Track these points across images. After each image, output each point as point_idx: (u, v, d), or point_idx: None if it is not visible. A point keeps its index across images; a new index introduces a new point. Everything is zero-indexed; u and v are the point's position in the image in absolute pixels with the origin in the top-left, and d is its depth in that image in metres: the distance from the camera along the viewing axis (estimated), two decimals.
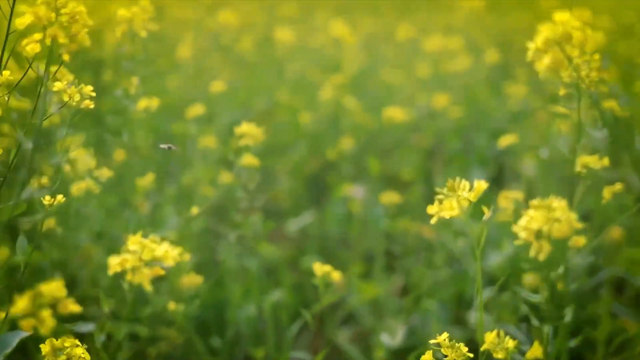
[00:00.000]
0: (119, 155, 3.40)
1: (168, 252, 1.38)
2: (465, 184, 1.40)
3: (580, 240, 1.63)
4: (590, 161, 1.65)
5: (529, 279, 2.25)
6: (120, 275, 2.26)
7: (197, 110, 2.45)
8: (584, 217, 3.32)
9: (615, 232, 2.95)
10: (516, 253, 2.58)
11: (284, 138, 4.04)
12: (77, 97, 1.54)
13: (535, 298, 1.78)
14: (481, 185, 1.29)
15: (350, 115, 3.51)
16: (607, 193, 1.66)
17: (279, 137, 4.12)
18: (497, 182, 3.76)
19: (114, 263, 1.67)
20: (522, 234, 1.45)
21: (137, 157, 3.45)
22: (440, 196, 1.41)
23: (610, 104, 1.67)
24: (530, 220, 1.41)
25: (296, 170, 3.60)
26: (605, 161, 1.65)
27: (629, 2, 6.06)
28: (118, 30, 1.81)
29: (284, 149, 3.98)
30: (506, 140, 2.27)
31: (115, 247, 2.42)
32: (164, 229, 2.43)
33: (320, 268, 1.59)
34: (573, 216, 1.42)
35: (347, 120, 3.58)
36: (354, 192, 3.07)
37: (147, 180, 2.06)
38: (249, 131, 1.74)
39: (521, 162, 3.66)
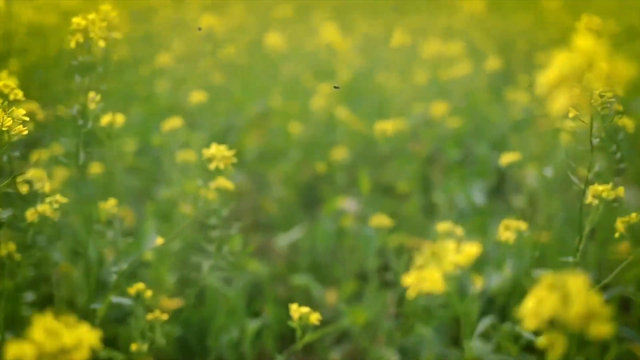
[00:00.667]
0: (96, 168, 3.26)
1: (82, 340, 0.97)
2: (452, 246, 1.08)
3: (604, 329, 0.99)
4: (603, 191, 1.47)
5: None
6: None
7: (174, 122, 2.29)
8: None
9: (622, 247, 2.81)
10: (517, 274, 2.44)
11: (278, 144, 3.90)
12: (8, 122, 1.40)
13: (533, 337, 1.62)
14: (472, 249, 1.04)
15: (343, 125, 3.36)
16: (620, 225, 1.51)
17: (273, 142, 3.97)
18: (498, 192, 3.61)
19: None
20: (531, 321, 1.02)
21: (122, 166, 3.33)
22: (420, 261, 1.07)
23: (624, 122, 1.50)
24: (540, 304, 1.00)
25: (289, 180, 3.45)
26: (620, 191, 1.48)
27: (630, 2, 5.93)
28: (72, 41, 1.63)
29: (278, 155, 3.83)
30: (509, 158, 2.12)
31: (91, 267, 2.28)
32: (142, 247, 2.29)
33: (297, 310, 1.43)
34: (594, 300, 1.01)
35: (341, 128, 3.43)
36: (347, 205, 2.92)
37: (109, 204, 1.90)
38: (218, 153, 1.56)
39: (523, 171, 3.52)
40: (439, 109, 3.27)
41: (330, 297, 2.83)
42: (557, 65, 1.08)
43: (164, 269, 2.25)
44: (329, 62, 4.00)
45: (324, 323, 2.98)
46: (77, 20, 1.57)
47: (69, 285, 2.55)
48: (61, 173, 2.57)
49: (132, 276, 2.44)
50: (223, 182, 1.67)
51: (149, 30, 4.71)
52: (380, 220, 1.99)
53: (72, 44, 1.59)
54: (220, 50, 2.92)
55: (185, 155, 2.30)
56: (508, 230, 1.63)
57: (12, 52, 4.09)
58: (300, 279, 2.62)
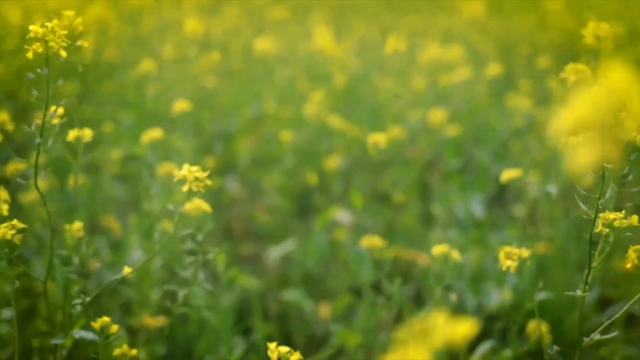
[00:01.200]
0: (76, 179, 3.14)
1: None
2: (442, 320, 0.87)
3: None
4: (615, 219, 1.34)
5: (533, 324, 2.01)
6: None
7: (153, 134, 2.17)
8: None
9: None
10: (518, 290, 2.33)
11: (272, 150, 3.78)
12: None
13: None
14: (466, 327, 0.81)
15: (338, 131, 3.24)
16: (632, 254, 1.39)
17: (267, 148, 3.86)
18: (498, 200, 3.51)
19: None
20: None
21: (108, 174, 3.23)
22: (403, 335, 0.81)
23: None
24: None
25: (282, 187, 3.33)
26: (635, 220, 1.34)
27: (630, 2, 5.82)
28: (29, 51, 1.50)
29: (272, 162, 3.72)
30: (509, 174, 2.01)
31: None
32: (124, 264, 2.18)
33: (274, 350, 1.30)
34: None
35: (336, 134, 3.32)
36: (340, 217, 2.81)
37: (76, 226, 1.78)
38: (190, 175, 1.42)
39: (524, 179, 3.42)
40: (437, 115, 3.16)
41: (324, 310, 2.72)
42: (581, 105, 0.80)
43: (147, 285, 2.14)
44: (324, 66, 3.89)
45: (316, 339, 2.89)
46: (34, 28, 1.44)
47: (49, 301, 2.44)
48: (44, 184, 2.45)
49: (113, 293, 2.34)
50: (198, 204, 1.55)
51: (140, 33, 4.60)
52: (372, 241, 1.87)
53: (29, 55, 1.46)
54: (210, 53, 2.79)
55: (167, 168, 2.19)
56: (509, 258, 1.51)
57: (1, 54, 3.99)
58: (292, 295, 2.51)
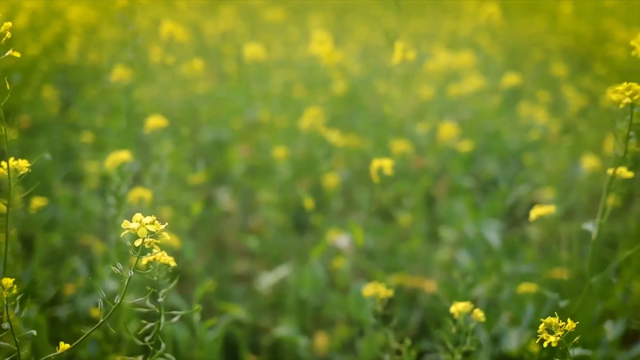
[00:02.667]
0: (60, 190, 2.92)
1: None
2: None
3: None
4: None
5: None
6: None
7: (121, 156, 1.89)
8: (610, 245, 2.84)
9: None
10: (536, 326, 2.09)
11: (267, 159, 3.53)
12: None
13: None
14: None
15: (338, 146, 3.00)
16: None
17: (261, 158, 3.62)
18: (511, 218, 3.26)
19: None
20: None
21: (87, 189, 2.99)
22: None
23: None
24: None
25: (276, 202, 3.09)
26: None
27: (637, 2, 5.59)
28: None
29: (267, 172, 3.47)
30: (540, 211, 1.74)
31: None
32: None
33: None
34: None
35: (336, 146, 3.07)
36: (339, 242, 2.56)
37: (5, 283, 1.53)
38: (141, 230, 1.11)
39: (538, 194, 3.18)
40: (447, 129, 2.91)
41: (320, 341, 2.48)
42: None
43: (121, 322, 1.90)
44: (323, 71, 3.64)
45: None
46: None
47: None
48: None
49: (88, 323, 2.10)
50: (162, 259, 1.30)
51: (128, 34, 4.34)
52: (377, 289, 1.62)
53: None
54: (199, 57, 2.55)
55: (137, 194, 1.94)
56: (552, 333, 1.27)
57: None
58: (285, 330, 2.27)
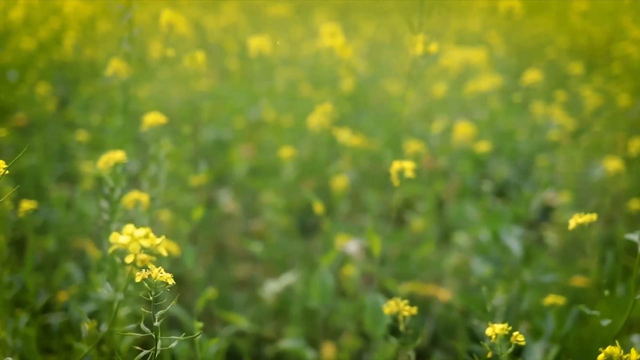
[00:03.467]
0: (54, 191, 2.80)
1: None
2: None
3: None
4: None
5: None
6: None
7: (114, 156, 1.73)
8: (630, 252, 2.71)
9: None
10: (556, 338, 1.96)
11: (271, 159, 3.40)
12: None
13: None
14: None
15: (346, 146, 2.87)
16: None
17: (266, 157, 3.49)
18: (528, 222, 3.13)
19: None
20: None
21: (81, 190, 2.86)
22: None
23: None
24: None
25: (281, 203, 2.96)
26: None
27: None
28: None
29: (270, 173, 3.34)
30: (579, 220, 1.58)
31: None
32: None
33: None
34: None
35: (343, 146, 2.94)
36: (348, 247, 2.43)
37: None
38: (133, 245, 0.96)
39: (552, 198, 3.05)
40: (463, 129, 2.78)
41: (327, 352, 2.35)
42: None
43: (116, 331, 1.77)
44: (329, 68, 3.51)
45: None
46: None
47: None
48: None
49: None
50: (158, 276, 1.15)
51: (127, 24, 4.21)
52: (398, 306, 1.47)
53: None
54: (199, 53, 2.42)
55: (133, 197, 1.80)
56: None
57: None
58: (290, 343, 2.13)
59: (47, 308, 2.34)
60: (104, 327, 1.83)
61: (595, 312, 1.83)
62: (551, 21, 5.42)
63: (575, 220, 1.51)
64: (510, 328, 1.30)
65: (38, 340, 2.09)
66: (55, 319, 2.28)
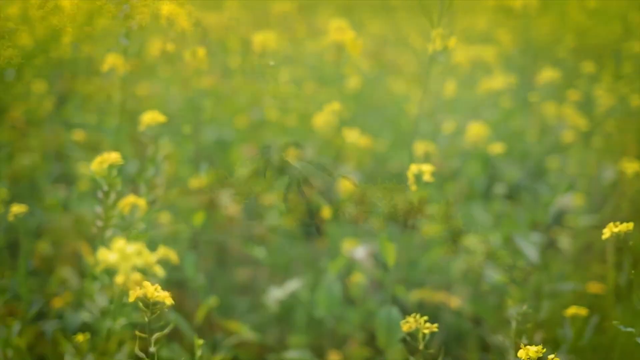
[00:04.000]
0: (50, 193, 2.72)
1: None
2: None
3: None
4: None
5: None
6: None
7: (110, 158, 1.63)
8: None
9: None
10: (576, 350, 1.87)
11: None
12: None
13: None
14: None
15: (353, 147, 2.79)
16: None
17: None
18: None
19: None
20: None
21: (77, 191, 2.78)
22: None
23: None
24: None
25: (284, 205, 2.86)
26: None
27: None
28: None
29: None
30: (613, 229, 1.47)
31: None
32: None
33: None
34: None
35: (349, 147, 2.85)
36: (356, 253, 2.34)
37: None
38: (123, 264, 0.86)
39: (564, 203, 2.96)
40: (475, 130, 2.68)
41: None
42: None
43: (112, 343, 1.68)
44: (334, 66, 3.42)
45: None
46: None
47: None
48: None
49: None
50: (154, 296, 1.06)
51: (124, 16, 4.13)
52: (417, 323, 1.38)
53: None
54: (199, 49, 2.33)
55: (129, 200, 1.70)
56: None
57: None
58: (295, 354, 2.04)
59: (42, 315, 2.25)
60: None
61: (616, 322, 1.74)
62: (558, 20, 5.33)
63: (610, 229, 1.41)
64: (544, 350, 1.20)
65: (31, 349, 2.01)
66: (49, 326, 2.20)
